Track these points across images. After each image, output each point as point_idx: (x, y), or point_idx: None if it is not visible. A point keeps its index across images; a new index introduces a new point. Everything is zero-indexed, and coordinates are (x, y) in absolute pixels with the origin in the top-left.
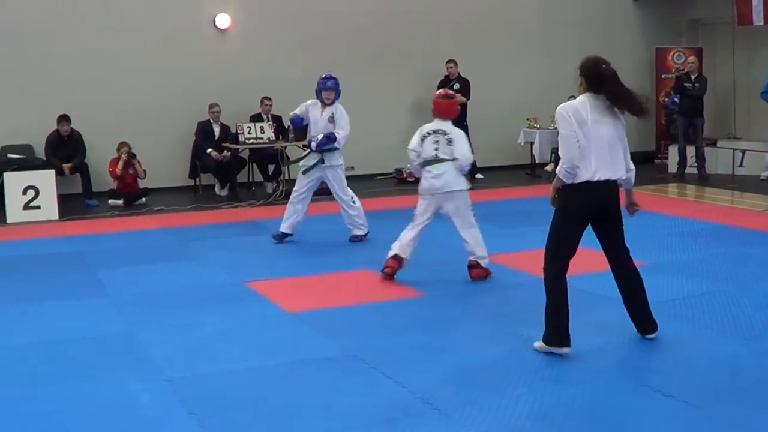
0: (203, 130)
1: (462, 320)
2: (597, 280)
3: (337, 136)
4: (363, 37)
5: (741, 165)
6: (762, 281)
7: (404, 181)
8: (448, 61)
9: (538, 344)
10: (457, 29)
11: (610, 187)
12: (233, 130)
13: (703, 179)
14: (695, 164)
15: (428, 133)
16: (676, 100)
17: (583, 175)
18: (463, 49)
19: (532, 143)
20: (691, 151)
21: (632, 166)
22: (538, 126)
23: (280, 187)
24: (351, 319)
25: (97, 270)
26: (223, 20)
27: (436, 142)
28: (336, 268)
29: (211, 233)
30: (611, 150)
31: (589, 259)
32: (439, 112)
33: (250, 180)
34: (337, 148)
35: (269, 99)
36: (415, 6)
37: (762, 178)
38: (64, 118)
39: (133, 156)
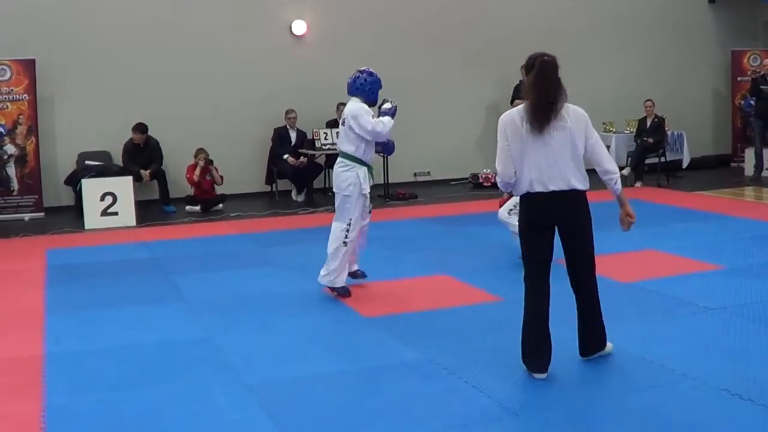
0: (280, 136)
1: None
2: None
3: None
4: (439, 42)
5: None
6: None
7: (480, 186)
8: (522, 66)
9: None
10: (532, 33)
11: (556, 199)
12: (309, 136)
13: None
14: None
15: None
16: (752, 102)
17: (522, 187)
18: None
19: (608, 147)
20: (767, 153)
21: (609, 170)
22: (614, 130)
23: None
24: (428, 324)
25: (174, 276)
26: (300, 27)
27: None
28: (412, 273)
29: (287, 239)
30: (554, 158)
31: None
32: None
33: (327, 185)
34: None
35: (345, 105)
36: (491, 11)
37: None
38: (138, 128)
39: (210, 162)
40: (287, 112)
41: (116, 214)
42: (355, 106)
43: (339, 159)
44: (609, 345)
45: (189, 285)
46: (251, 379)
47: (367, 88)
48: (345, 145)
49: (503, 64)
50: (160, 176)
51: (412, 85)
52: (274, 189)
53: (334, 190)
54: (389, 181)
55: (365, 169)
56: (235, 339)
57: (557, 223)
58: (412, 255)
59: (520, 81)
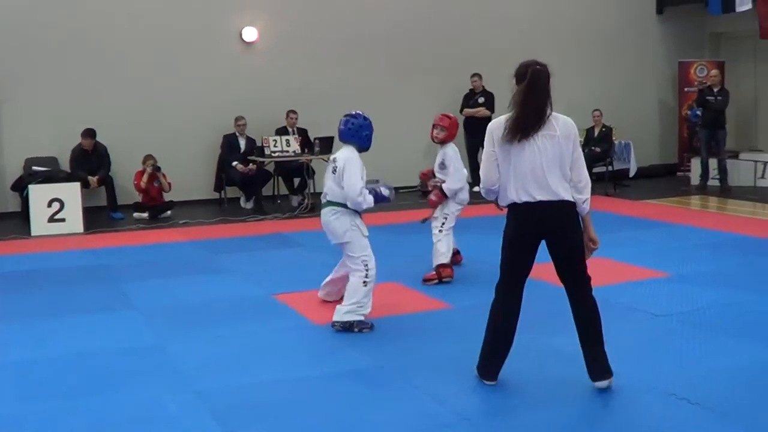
0: (229, 143)
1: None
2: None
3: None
4: (389, 51)
5: (762, 177)
6: None
7: (429, 194)
8: (473, 75)
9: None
10: (482, 43)
11: (544, 209)
12: (259, 143)
13: (725, 191)
14: (717, 176)
15: None
16: (699, 113)
17: (509, 197)
18: (488, 63)
19: None
20: (713, 163)
21: (582, 190)
22: None
23: (306, 201)
24: (379, 331)
25: (123, 283)
26: (250, 33)
27: None
28: None
29: (236, 246)
30: (541, 169)
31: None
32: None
33: (276, 193)
34: None
35: (295, 112)
36: (441, 20)
37: None
38: (87, 133)
39: (158, 169)
40: (237, 119)
41: (63, 220)
42: (350, 155)
43: (327, 208)
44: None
45: (138, 292)
46: (202, 387)
47: (363, 134)
48: (334, 193)
49: (452, 73)
50: (107, 183)
51: (361, 93)
52: (222, 196)
53: (331, 240)
54: None
55: (358, 213)
56: (185, 346)
57: (547, 236)
58: None
59: (470, 90)
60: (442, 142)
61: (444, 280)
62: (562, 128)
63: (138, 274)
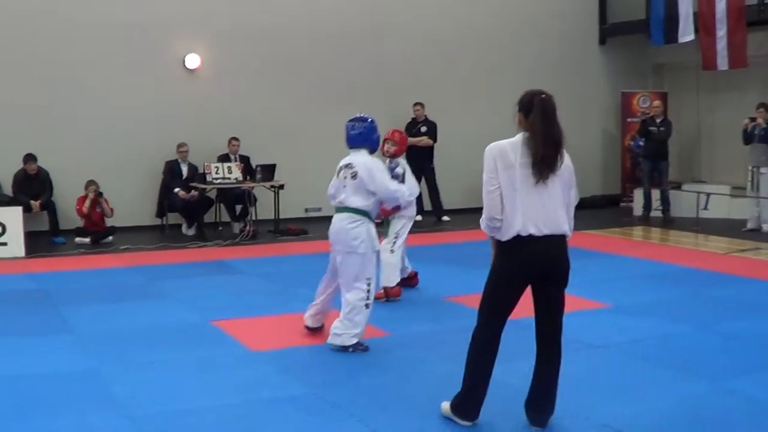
0: (171, 169)
1: (426, 360)
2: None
3: None
4: (331, 79)
5: (705, 208)
6: (723, 322)
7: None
8: (415, 104)
9: (445, 406)
10: (424, 72)
11: (548, 244)
12: (201, 170)
13: (668, 222)
14: (660, 207)
15: None
16: (641, 143)
17: (512, 230)
18: (430, 92)
19: None
20: (656, 194)
21: (571, 225)
22: None
23: (247, 228)
24: (315, 359)
25: (62, 307)
26: (193, 60)
27: None
28: (301, 308)
29: (177, 272)
30: (548, 199)
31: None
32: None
33: (217, 220)
34: None
35: (237, 139)
36: (383, 49)
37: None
38: (30, 158)
39: (101, 195)
40: (179, 146)
41: (5, 244)
42: (369, 160)
43: (344, 215)
44: None
45: (76, 317)
46: (136, 412)
47: (374, 137)
48: (355, 199)
49: (394, 100)
50: (49, 207)
51: (304, 120)
52: (164, 222)
53: (335, 248)
54: (280, 217)
55: (373, 224)
56: (121, 372)
57: (542, 275)
58: (301, 290)
59: (412, 119)
60: (393, 156)
61: (391, 299)
62: (566, 164)
63: (77, 299)
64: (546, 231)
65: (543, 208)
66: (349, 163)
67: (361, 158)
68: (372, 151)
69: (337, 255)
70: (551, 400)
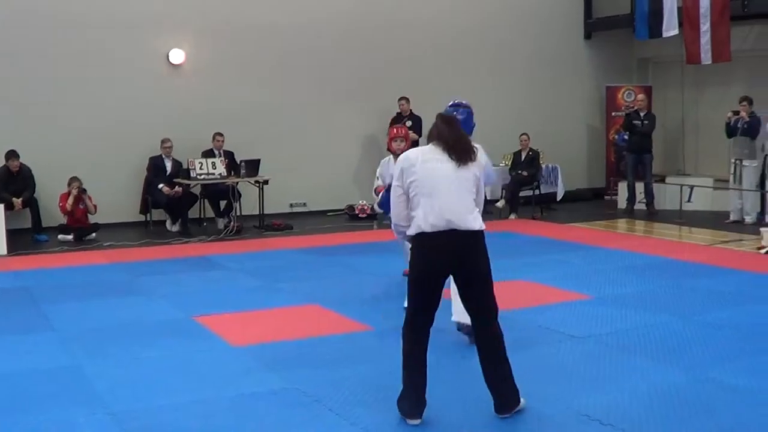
0: (155, 165)
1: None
2: (542, 313)
3: None
4: (315, 74)
5: (689, 200)
6: (705, 313)
7: (356, 217)
8: (401, 99)
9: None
10: (409, 67)
11: (454, 236)
12: (185, 166)
13: (652, 215)
14: (644, 200)
15: None
16: (626, 137)
17: (417, 225)
18: (415, 87)
19: None
20: (640, 187)
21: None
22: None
23: (232, 223)
24: (297, 353)
25: (44, 305)
26: (177, 55)
27: None
28: (283, 302)
29: (161, 269)
30: (451, 194)
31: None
32: None
33: (202, 216)
34: None
35: (221, 135)
36: (368, 43)
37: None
38: (12, 154)
39: (84, 191)
40: (163, 141)
41: None
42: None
43: None
44: (522, 400)
45: (59, 314)
46: (118, 408)
47: (472, 124)
48: None
49: (379, 97)
50: (32, 204)
51: (288, 115)
52: (148, 218)
53: None
54: (264, 212)
55: None
56: (103, 368)
57: (454, 267)
58: (284, 285)
59: (398, 113)
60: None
61: None
62: (477, 158)
63: (60, 296)
64: (450, 224)
65: (447, 202)
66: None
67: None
68: None
69: None
70: (503, 389)
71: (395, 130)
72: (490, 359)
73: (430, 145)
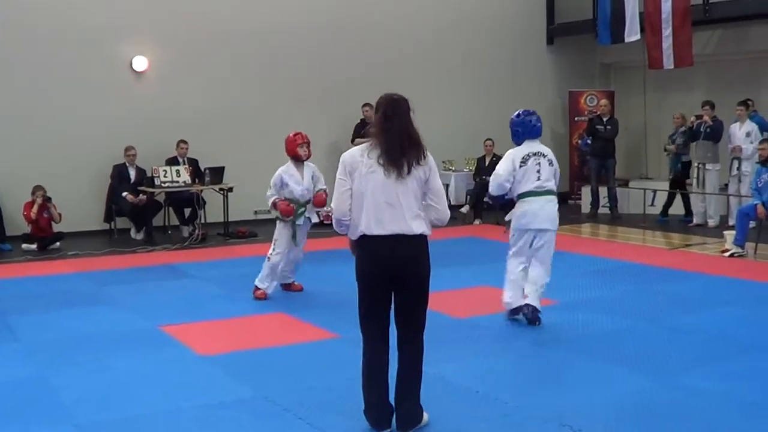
0: (119, 173)
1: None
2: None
3: None
4: (281, 81)
5: (652, 204)
6: (671, 317)
7: (321, 224)
8: (364, 105)
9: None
10: (373, 74)
11: (395, 243)
12: (149, 174)
13: (615, 219)
14: (608, 204)
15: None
16: (589, 141)
17: (359, 229)
18: (379, 93)
19: (447, 185)
20: (603, 191)
21: (442, 218)
22: (453, 168)
23: (196, 231)
24: (264, 362)
25: (8, 316)
26: (140, 63)
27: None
28: (250, 311)
29: (126, 277)
30: (396, 199)
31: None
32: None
33: (166, 224)
34: None
35: (185, 142)
36: (332, 50)
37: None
38: None
39: (48, 200)
40: (127, 149)
41: None
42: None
43: (551, 196)
44: (426, 416)
45: (24, 325)
46: (84, 420)
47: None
48: (551, 183)
49: (343, 103)
50: None
51: (252, 123)
52: (112, 227)
53: (546, 227)
54: (229, 219)
55: None
56: (68, 379)
57: (393, 275)
58: (250, 293)
59: (361, 120)
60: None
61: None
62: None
63: (24, 306)
64: (392, 230)
65: (390, 207)
66: (540, 152)
67: (544, 148)
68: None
69: (544, 234)
70: (410, 406)
71: (300, 136)
72: (407, 373)
73: (370, 144)
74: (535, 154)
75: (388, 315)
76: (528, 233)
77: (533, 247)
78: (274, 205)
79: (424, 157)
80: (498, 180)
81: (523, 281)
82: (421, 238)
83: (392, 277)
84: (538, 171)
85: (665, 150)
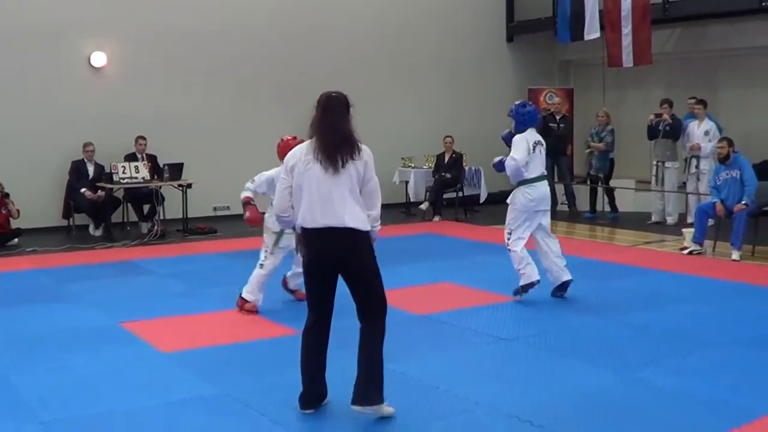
0: (77, 169)
1: (338, 356)
2: (468, 315)
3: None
4: (241, 78)
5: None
6: (630, 313)
7: None
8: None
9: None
10: (331, 71)
11: (332, 235)
12: (107, 170)
13: (574, 216)
14: (566, 202)
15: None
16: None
17: (299, 221)
18: (339, 90)
19: (407, 182)
20: (561, 188)
21: (374, 216)
22: (412, 165)
23: (155, 227)
24: (225, 359)
25: None
26: (99, 58)
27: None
28: (210, 308)
29: (85, 274)
30: (328, 194)
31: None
32: None
33: (125, 220)
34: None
35: (144, 138)
36: (291, 49)
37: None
38: None
39: (6, 196)
40: (85, 145)
41: None
42: None
43: (546, 180)
44: (389, 409)
45: None
46: (47, 417)
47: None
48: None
49: (304, 101)
50: None
51: (211, 119)
52: (71, 223)
53: (540, 208)
54: (188, 216)
55: None
56: (30, 377)
57: (337, 264)
58: (210, 290)
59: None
60: None
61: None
62: (359, 156)
63: None
64: (326, 222)
65: (322, 201)
66: (540, 140)
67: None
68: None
69: (546, 213)
70: (368, 383)
71: (296, 140)
72: (366, 353)
73: (311, 141)
74: (538, 143)
75: (327, 305)
76: (537, 214)
77: (541, 226)
78: (246, 203)
79: (359, 153)
80: (518, 164)
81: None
82: (355, 231)
83: (330, 267)
84: (541, 158)
85: (588, 147)
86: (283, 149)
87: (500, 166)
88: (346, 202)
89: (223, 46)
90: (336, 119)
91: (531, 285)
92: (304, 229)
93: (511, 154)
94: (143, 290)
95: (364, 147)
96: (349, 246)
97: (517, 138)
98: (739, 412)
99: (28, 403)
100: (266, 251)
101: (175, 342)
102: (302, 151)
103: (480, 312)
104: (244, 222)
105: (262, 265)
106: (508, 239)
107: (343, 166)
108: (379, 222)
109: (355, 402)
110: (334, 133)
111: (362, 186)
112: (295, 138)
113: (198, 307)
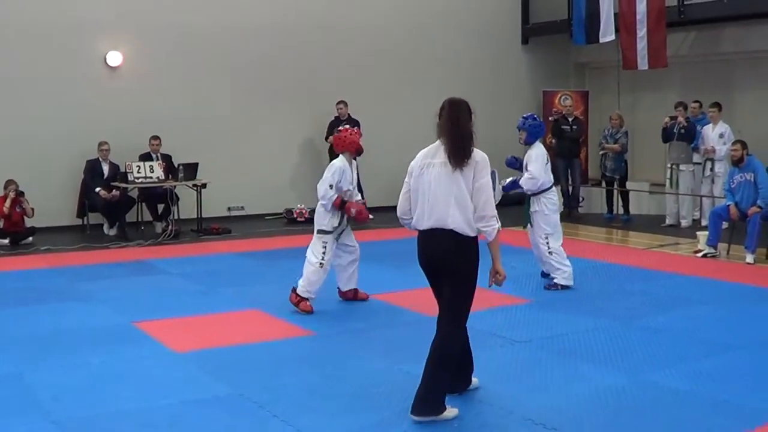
0: (92, 168)
1: (351, 358)
2: (482, 317)
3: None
4: (255, 78)
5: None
6: (643, 317)
7: (294, 221)
8: (339, 102)
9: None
10: (348, 71)
11: (435, 237)
12: (122, 169)
13: (575, 218)
14: (574, 204)
15: None
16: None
17: (413, 223)
18: (353, 91)
19: None
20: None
21: (487, 220)
22: None
23: (170, 227)
24: (239, 359)
25: None
26: (115, 58)
27: None
28: (225, 308)
29: (99, 273)
30: (438, 196)
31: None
32: None
33: (139, 219)
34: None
35: (158, 138)
36: (307, 47)
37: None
38: None
39: (21, 194)
40: (100, 144)
41: None
42: None
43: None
44: (449, 413)
45: None
46: (60, 416)
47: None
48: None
49: (317, 100)
50: None
51: (226, 119)
52: (85, 222)
53: (545, 215)
54: (203, 216)
55: None
56: (44, 375)
57: (434, 265)
58: (224, 290)
59: (335, 117)
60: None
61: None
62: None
63: None
64: (432, 224)
65: (432, 204)
66: (546, 152)
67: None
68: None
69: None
70: (423, 391)
71: (353, 131)
72: (428, 360)
73: (437, 142)
74: (545, 154)
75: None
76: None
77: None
78: (341, 204)
79: (469, 156)
80: (538, 181)
81: None
82: (454, 234)
83: (434, 268)
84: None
85: (602, 149)
86: (354, 138)
87: (511, 188)
88: (449, 205)
89: (238, 45)
90: (454, 123)
91: (567, 288)
92: (419, 231)
93: (530, 170)
94: (157, 290)
95: (476, 150)
96: (446, 248)
97: (533, 154)
98: (752, 415)
99: (42, 401)
100: (324, 249)
101: (189, 342)
102: (423, 155)
103: (493, 314)
104: (355, 220)
105: (321, 264)
106: (547, 243)
107: (459, 168)
108: (494, 223)
109: (412, 410)
110: (454, 136)
111: (472, 187)
112: (347, 128)
113: (211, 307)
